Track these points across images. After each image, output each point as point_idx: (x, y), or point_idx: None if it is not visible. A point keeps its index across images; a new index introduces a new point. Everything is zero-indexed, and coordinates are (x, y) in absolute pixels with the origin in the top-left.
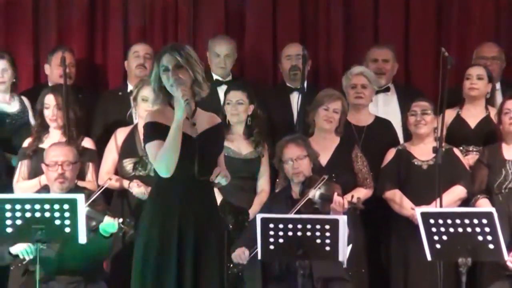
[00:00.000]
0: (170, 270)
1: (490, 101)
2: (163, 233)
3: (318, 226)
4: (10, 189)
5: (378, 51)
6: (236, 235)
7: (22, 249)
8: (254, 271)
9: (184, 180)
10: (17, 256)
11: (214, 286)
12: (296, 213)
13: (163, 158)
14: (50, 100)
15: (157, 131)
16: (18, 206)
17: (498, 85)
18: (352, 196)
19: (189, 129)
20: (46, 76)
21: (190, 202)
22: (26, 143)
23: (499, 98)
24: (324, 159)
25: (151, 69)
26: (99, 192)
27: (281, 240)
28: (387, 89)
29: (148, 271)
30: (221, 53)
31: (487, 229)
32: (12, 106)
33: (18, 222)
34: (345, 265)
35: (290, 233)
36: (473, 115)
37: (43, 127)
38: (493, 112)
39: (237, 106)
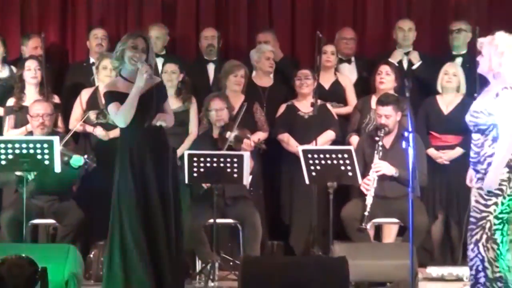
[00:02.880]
0: (139, 195)
1: (336, 70)
2: (134, 170)
3: (229, 159)
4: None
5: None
6: None
7: None
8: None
9: (137, 126)
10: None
11: (176, 207)
12: (216, 149)
13: (122, 114)
14: (30, 63)
15: (113, 96)
16: (9, 145)
17: (352, 58)
18: (259, 139)
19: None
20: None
21: (147, 143)
22: (10, 102)
23: (349, 67)
24: (234, 111)
25: (107, 47)
26: (70, 134)
27: (202, 170)
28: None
29: (124, 200)
30: (153, 36)
31: (347, 161)
32: (3, 73)
33: (10, 156)
34: (248, 187)
35: (208, 164)
36: (326, 80)
37: (22, 89)
38: (340, 77)
39: (171, 75)
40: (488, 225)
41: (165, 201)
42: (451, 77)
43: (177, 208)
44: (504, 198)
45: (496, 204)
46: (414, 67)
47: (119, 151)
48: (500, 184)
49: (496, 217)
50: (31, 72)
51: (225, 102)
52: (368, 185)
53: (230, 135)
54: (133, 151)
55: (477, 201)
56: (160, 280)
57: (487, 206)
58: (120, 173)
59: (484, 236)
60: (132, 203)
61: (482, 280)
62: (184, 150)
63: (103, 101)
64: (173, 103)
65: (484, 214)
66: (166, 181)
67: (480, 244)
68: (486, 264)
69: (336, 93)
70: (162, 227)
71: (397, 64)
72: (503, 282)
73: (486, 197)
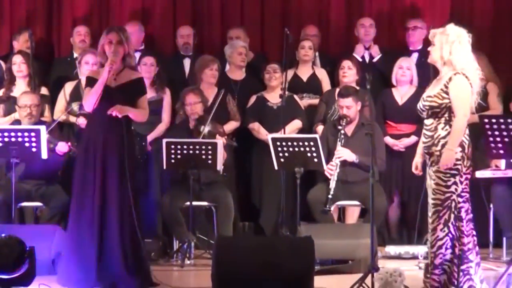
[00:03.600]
0: (89, 178)
1: (314, 63)
2: (86, 152)
3: (204, 147)
4: None
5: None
6: (141, 157)
7: None
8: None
9: (102, 115)
10: None
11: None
12: (192, 138)
13: (87, 99)
14: (16, 58)
15: (90, 82)
16: (0, 134)
17: (316, 54)
18: (231, 136)
19: (112, 83)
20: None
21: (103, 131)
22: (0, 92)
23: (318, 61)
24: (209, 103)
25: (90, 43)
26: (54, 124)
27: (179, 156)
28: None
29: (78, 176)
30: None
31: (313, 149)
32: None
33: (0, 144)
34: (221, 172)
35: (185, 152)
36: (304, 73)
37: (11, 81)
38: (316, 70)
39: (150, 67)
40: (453, 204)
41: (123, 184)
42: (405, 70)
43: (134, 191)
44: (462, 176)
45: (455, 183)
46: (374, 59)
47: (82, 137)
48: (455, 164)
49: (459, 196)
50: (16, 66)
51: (199, 96)
52: (332, 170)
53: (204, 129)
54: (89, 136)
55: (437, 184)
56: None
57: (448, 186)
58: (78, 158)
59: (452, 216)
60: (86, 184)
61: (448, 257)
62: (155, 136)
63: None
64: (148, 93)
65: (447, 195)
66: (124, 165)
67: (450, 224)
68: (455, 241)
69: (313, 85)
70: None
71: (360, 59)
72: (463, 259)
73: (445, 178)
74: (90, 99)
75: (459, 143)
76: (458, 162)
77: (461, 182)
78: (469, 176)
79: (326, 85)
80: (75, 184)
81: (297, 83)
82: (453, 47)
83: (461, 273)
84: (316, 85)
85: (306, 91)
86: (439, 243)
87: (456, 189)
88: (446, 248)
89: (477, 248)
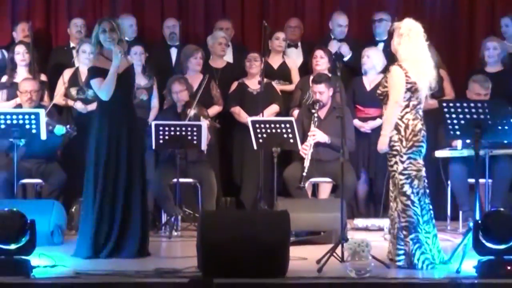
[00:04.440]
0: (113, 159)
1: (284, 53)
2: (110, 135)
3: (189, 128)
4: None
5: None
6: None
7: None
8: (149, 157)
9: (120, 101)
10: None
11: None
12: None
13: (104, 89)
14: (19, 48)
15: (97, 72)
16: (1, 117)
17: (299, 44)
18: (215, 119)
19: (122, 68)
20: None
21: (124, 115)
22: (3, 79)
23: (296, 51)
24: (194, 88)
25: (85, 34)
26: (51, 105)
27: (167, 137)
28: None
29: (100, 160)
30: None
31: (289, 130)
32: None
33: (2, 126)
34: (205, 152)
35: (172, 133)
36: (275, 61)
37: (13, 69)
38: (286, 59)
39: (140, 56)
40: (396, 181)
41: (135, 163)
42: (366, 59)
43: (143, 170)
44: (402, 156)
45: (396, 163)
46: (345, 59)
47: (97, 120)
48: (393, 146)
49: (401, 174)
50: (20, 56)
51: (184, 84)
52: (306, 150)
53: (190, 112)
54: (112, 121)
55: (387, 164)
56: (126, 226)
57: (391, 166)
58: (97, 138)
59: (396, 191)
60: (103, 164)
61: (394, 229)
62: (150, 120)
63: (83, 80)
64: (141, 80)
65: (392, 173)
66: (135, 149)
67: (397, 199)
68: (400, 214)
69: (283, 73)
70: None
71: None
72: (407, 230)
73: (389, 158)
74: (108, 89)
75: (395, 126)
76: (396, 144)
77: (402, 162)
78: (412, 156)
79: (294, 73)
80: (93, 167)
81: (268, 71)
82: (402, 40)
83: (410, 242)
84: (285, 73)
85: (276, 78)
86: (391, 216)
87: (397, 168)
88: (394, 221)
89: (433, 220)
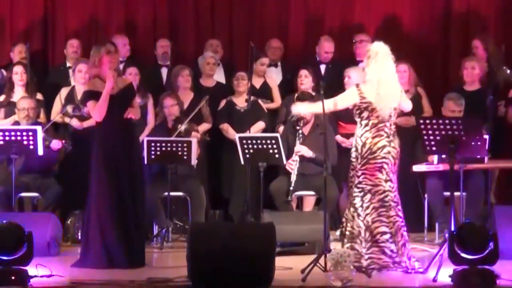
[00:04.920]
0: (115, 170)
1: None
2: (110, 153)
3: (180, 144)
4: None
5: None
6: None
7: None
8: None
9: (112, 121)
10: None
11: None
12: (170, 137)
13: (97, 110)
14: (17, 68)
15: (92, 95)
16: (0, 133)
17: (279, 63)
18: (205, 134)
19: (114, 90)
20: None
21: (120, 133)
22: (1, 98)
23: (275, 70)
24: (185, 106)
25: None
26: (50, 123)
27: (158, 153)
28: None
29: (104, 170)
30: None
31: (275, 146)
32: None
33: (1, 142)
34: (195, 167)
35: (163, 148)
36: (257, 82)
37: (11, 88)
38: (268, 79)
39: (135, 77)
40: (351, 191)
41: (133, 179)
42: (347, 79)
43: (141, 185)
44: (357, 171)
45: (353, 176)
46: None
47: (96, 140)
48: (352, 162)
49: (356, 186)
50: (18, 76)
51: (175, 99)
52: (292, 165)
53: (181, 127)
54: (108, 140)
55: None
56: (128, 241)
57: (351, 177)
58: (96, 158)
59: (350, 201)
60: (105, 181)
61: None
62: (142, 137)
63: (78, 98)
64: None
65: (350, 184)
66: (134, 163)
67: (350, 208)
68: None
69: (264, 91)
70: (130, 201)
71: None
72: (347, 238)
73: (350, 171)
74: (100, 110)
75: (353, 143)
76: (353, 160)
77: (358, 176)
78: (367, 172)
79: (275, 91)
80: (96, 180)
81: (252, 89)
82: (369, 61)
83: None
84: (267, 91)
85: (259, 96)
86: (346, 216)
87: (354, 181)
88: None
89: (402, 230)
